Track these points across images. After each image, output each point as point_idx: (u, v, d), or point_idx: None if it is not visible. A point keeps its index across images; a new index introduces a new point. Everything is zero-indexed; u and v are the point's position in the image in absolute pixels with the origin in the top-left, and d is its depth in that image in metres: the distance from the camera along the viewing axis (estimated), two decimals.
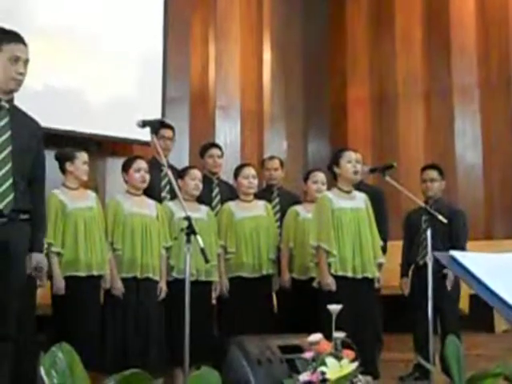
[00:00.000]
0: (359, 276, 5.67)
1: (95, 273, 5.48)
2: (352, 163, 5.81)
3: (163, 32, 8.47)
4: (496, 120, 9.56)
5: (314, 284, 5.81)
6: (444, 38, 9.89)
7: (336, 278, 5.58)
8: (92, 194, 5.77)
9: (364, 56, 10.46)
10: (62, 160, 5.64)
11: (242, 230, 6.22)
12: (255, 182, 6.44)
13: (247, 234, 6.23)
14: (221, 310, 6.24)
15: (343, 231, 5.68)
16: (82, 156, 5.67)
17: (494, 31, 9.69)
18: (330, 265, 5.62)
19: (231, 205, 6.35)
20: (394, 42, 10.22)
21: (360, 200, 5.89)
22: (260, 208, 6.41)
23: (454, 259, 2.12)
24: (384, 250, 7.11)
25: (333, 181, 6.09)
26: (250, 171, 6.43)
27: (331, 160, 5.98)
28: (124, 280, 5.62)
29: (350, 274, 5.63)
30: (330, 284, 5.56)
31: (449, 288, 6.16)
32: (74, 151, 5.70)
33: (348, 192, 5.85)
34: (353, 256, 5.66)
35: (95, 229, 5.56)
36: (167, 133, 6.69)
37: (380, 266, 5.93)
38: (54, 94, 7.49)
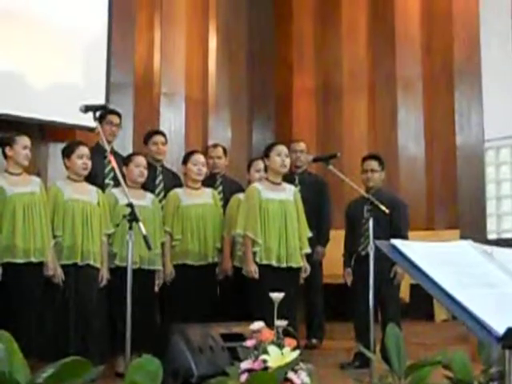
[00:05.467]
0: (284, 265, 5.83)
1: (34, 259, 5.40)
2: (281, 157, 5.95)
3: (108, 16, 8.33)
4: (438, 112, 9.67)
5: (244, 272, 5.95)
6: (389, 30, 9.96)
7: (261, 266, 5.76)
8: (36, 180, 5.68)
9: (310, 46, 10.47)
10: (2, 145, 5.54)
11: (189, 217, 6.21)
12: (204, 169, 6.45)
13: (193, 222, 6.21)
14: (164, 298, 6.22)
15: (269, 222, 5.85)
16: (23, 140, 5.57)
17: (438, 24, 9.79)
18: (255, 254, 5.79)
19: (178, 191, 6.33)
20: (340, 32, 10.25)
21: (289, 192, 6.05)
22: (207, 196, 6.40)
23: (394, 248, 2.14)
24: (327, 239, 7.20)
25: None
26: (199, 158, 6.43)
27: (263, 153, 6.15)
28: (64, 267, 5.56)
29: (274, 263, 5.80)
30: (253, 272, 5.74)
31: (395, 283, 6.24)
32: (14, 136, 5.60)
33: (277, 184, 5.99)
34: (278, 246, 5.83)
35: (36, 214, 5.46)
36: (114, 119, 6.63)
37: (306, 256, 6.08)
38: None
